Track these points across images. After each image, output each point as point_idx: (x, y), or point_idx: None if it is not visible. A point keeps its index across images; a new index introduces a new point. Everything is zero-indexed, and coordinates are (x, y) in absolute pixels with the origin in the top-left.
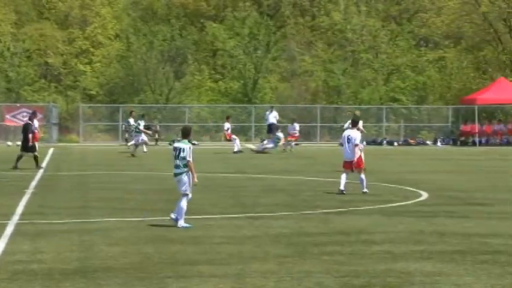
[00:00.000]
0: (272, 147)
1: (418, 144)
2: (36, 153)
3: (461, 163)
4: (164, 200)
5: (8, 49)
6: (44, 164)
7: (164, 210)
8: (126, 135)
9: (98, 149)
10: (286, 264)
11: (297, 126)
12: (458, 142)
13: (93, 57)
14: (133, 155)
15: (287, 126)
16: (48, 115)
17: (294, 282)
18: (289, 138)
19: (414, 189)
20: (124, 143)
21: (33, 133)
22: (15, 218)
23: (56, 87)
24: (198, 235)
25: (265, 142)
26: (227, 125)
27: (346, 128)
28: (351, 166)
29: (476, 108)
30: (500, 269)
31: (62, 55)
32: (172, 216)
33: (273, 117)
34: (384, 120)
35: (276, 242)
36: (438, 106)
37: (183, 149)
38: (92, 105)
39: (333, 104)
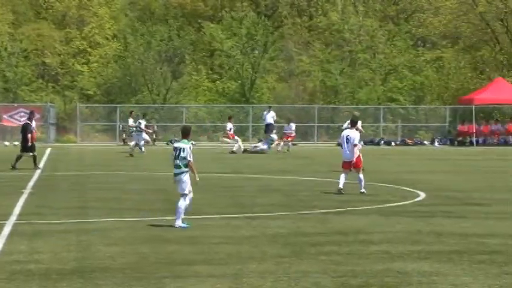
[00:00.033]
0: (266, 149)
1: (415, 144)
2: (35, 153)
3: (458, 163)
4: (161, 200)
5: (6, 49)
6: (41, 164)
7: (161, 211)
8: (124, 136)
9: (96, 149)
10: (283, 264)
11: (293, 126)
12: (456, 142)
13: (90, 57)
14: (131, 155)
15: (284, 126)
16: (45, 115)
17: (291, 282)
18: (285, 139)
19: (412, 190)
20: (121, 144)
21: (32, 133)
22: (13, 218)
23: (53, 87)
24: (195, 235)
25: (259, 144)
26: (229, 125)
27: (345, 128)
28: (350, 166)
29: (473, 108)
30: (497, 269)
31: (59, 55)
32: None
33: (270, 117)
34: (382, 120)
35: (274, 242)
36: (436, 106)
37: (183, 148)
38: (89, 105)
39: (330, 104)
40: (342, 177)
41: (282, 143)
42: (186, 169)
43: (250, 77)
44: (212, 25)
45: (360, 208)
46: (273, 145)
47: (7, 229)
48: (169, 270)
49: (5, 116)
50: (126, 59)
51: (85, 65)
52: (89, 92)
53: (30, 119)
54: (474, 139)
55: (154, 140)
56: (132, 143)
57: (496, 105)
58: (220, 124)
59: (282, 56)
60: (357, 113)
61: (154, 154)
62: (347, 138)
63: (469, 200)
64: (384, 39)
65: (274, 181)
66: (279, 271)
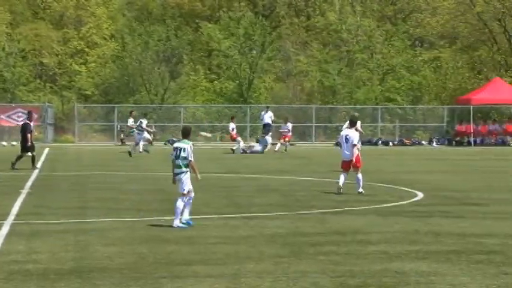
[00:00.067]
0: (260, 150)
1: (413, 144)
2: (34, 153)
3: (456, 163)
4: (159, 200)
5: (3, 49)
6: (39, 164)
7: (159, 211)
8: (122, 136)
9: (94, 149)
10: (281, 264)
11: (289, 125)
12: (454, 142)
13: (88, 58)
14: (130, 155)
15: (280, 126)
16: (43, 115)
17: (289, 282)
18: (282, 139)
19: (409, 189)
20: (119, 144)
21: (32, 132)
22: (11, 218)
23: (51, 87)
24: (193, 235)
25: (256, 145)
26: (232, 125)
27: (345, 128)
28: (349, 166)
29: (471, 108)
30: (495, 269)
31: (57, 55)
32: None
33: (268, 117)
34: (379, 120)
35: (272, 242)
36: (433, 106)
37: (184, 148)
38: (87, 105)
39: (328, 104)
40: (342, 177)
41: (279, 144)
42: (187, 169)
43: (248, 77)
44: (210, 25)
45: (358, 208)
46: (266, 149)
47: (5, 229)
48: (168, 270)
49: (2, 116)
50: (124, 59)
51: (83, 65)
52: (87, 92)
53: (29, 119)
54: (472, 139)
55: (152, 140)
56: (133, 143)
57: (493, 105)
58: (218, 124)
59: (280, 56)
60: (356, 114)
61: (152, 154)
62: (346, 138)
63: (467, 200)
64: (382, 39)
65: (272, 181)
66: (278, 271)
